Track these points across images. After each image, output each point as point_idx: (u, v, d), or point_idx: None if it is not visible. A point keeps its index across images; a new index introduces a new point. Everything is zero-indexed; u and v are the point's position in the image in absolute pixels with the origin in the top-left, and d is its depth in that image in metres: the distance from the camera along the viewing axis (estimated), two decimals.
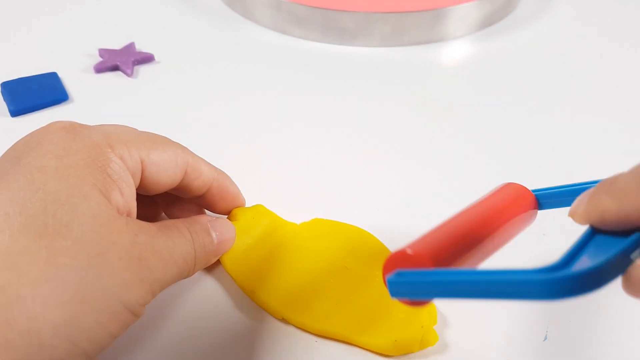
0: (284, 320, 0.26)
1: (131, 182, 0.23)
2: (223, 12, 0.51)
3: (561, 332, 0.26)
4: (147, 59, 0.44)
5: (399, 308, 0.26)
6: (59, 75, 0.42)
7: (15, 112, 0.39)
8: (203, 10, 0.51)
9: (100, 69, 0.43)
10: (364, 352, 0.25)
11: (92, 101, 0.40)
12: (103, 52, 0.44)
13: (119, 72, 0.43)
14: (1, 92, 0.40)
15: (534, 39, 0.48)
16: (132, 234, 0.22)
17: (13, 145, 0.24)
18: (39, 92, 0.40)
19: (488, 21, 0.49)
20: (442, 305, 0.27)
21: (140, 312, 0.22)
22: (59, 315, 0.19)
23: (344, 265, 0.28)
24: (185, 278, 0.24)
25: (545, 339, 0.26)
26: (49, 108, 0.39)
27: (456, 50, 0.47)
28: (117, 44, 0.45)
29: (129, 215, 0.23)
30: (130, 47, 0.45)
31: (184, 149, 0.26)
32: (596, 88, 0.43)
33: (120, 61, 0.43)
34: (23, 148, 0.23)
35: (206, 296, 0.27)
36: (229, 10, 0.51)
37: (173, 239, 0.23)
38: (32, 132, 0.24)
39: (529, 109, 0.40)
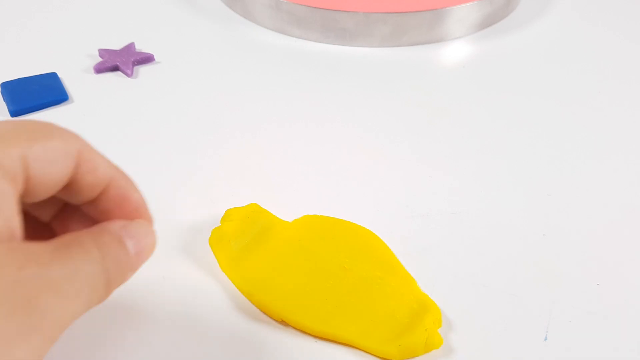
0: (284, 322, 0.26)
1: (9, 192, 0.18)
2: (223, 12, 0.51)
3: (561, 332, 0.26)
4: (147, 59, 0.44)
5: (402, 311, 0.25)
6: (59, 75, 0.42)
7: (15, 113, 0.38)
8: (203, 11, 0.51)
9: (100, 69, 0.43)
10: (365, 353, 0.25)
11: (92, 101, 0.40)
12: (103, 52, 0.44)
13: (118, 73, 0.43)
14: (1, 92, 0.40)
15: (534, 39, 0.48)
16: (14, 268, 0.17)
17: None
18: (39, 93, 0.40)
19: (488, 22, 0.49)
20: (447, 308, 0.27)
21: None
22: None
23: (344, 266, 0.27)
24: (95, 306, 0.19)
25: (546, 339, 0.26)
26: (49, 108, 0.39)
27: (456, 51, 0.47)
28: (117, 44, 0.45)
29: (11, 238, 0.18)
30: (130, 48, 0.45)
31: (75, 136, 0.20)
32: (597, 87, 0.43)
33: (120, 61, 0.43)
34: None
35: (204, 298, 0.27)
36: (228, 10, 0.51)
37: (74, 261, 0.18)
38: None
39: (528, 109, 0.40)
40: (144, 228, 0.22)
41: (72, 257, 0.18)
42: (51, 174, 0.19)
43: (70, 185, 0.20)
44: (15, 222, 0.18)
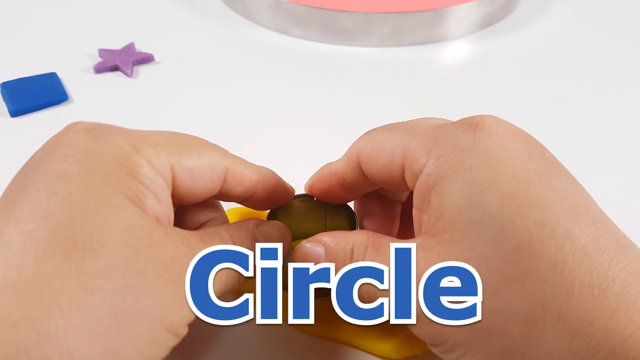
0: (285, 322, 0.26)
1: (165, 186, 0.21)
2: (223, 12, 0.51)
3: None
4: (146, 59, 0.44)
5: None
6: (59, 75, 0.42)
7: (15, 113, 0.38)
8: (203, 10, 0.51)
9: (100, 69, 0.43)
10: (365, 353, 0.25)
11: (92, 101, 0.40)
12: (103, 52, 0.44)
13: (118, 73, 0.43)
14: (1, 92, 0.40)
15: (534, 39, 0.48)
16: (171, 247, 0.19)
17: (34, 154, 0.21)
18: (38, 93, 0.40)
19: (488, 21, 0.49)
20: None
21: (183, 332, 0.20)
22: (95, 348, 0.17)
23: None
24: (230, 291, 0.22)
25: None
26: (49, 108, 0.39)
27: (456, 51, 0.47)
28: (116, 44, 0.45)
29: (169, 223, 0.21)
30: (130, 48, 0.45)
31: (223, 152, 0.24)
32: (596, 88, 0.42)
33: (120, 61, 0.43)
34: (41, 153, 0.20)
35: None
36: (228, 10, 0.51)
37: (214, 248, 0.21)
38: (50, 138, 0.21)
39: (528, 109, 0.40)
40: (276, 228, 0.24)
41: (213, 244, 0.21)
42: (198, 185, 0.22)
43: (221, 195, 0.24)
44: (171, 210, 0.21)
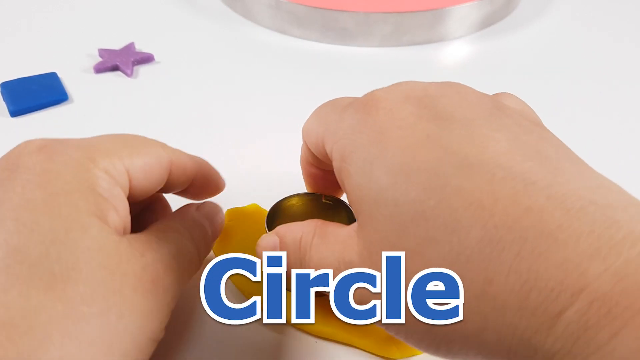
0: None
1: (122, 196, 0.21)
2: (223, 12, 0.51)
3: None
4: (146, 59, 0.44)
5: None
6: (59, 75, 0.42)
7: (15, 113, 0.38)
8: (203, 10, 0.51)
9: (100, 69, 0.43)
10: (365, 353, 0.25)
11: (92, 101, 0.40)
12: (103, 52, 0.44)
13: (118, 72, 0.43)
14: (1, 92, 0.40)
15: (534, 39, 0.48)
16: (139, 256, 0.20)
17: None
18: (38, 93, 0.40)
19: (488, 21, 0.49)
20: None
21: (161, 335, 0.21)
22: None
23: None
24: (193, 276, 0.23)
25: None
26: (49, 108, 0.39)
27: (456, 51, 0.47)
28: (116, 44, 0.45)
29: (126, 232, 0.21)
30: (130, 47, 0.45)
31: (164, 146, 0.24)
32: (596, 88, 0.42)
33: (120, 61, 0.43)
34: None
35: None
36: (228, 10, 0.51)
37: (176, 242, 0.22)
38: (2, 157, 0.21)
39: None
40: (211, 206, 0.26)
41: (173, 240, 0.22)
42: (150, 182, 0.23)
43: (165, 187, 0.24)
44: (128, 219, 0.21)
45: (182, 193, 0.26)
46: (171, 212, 0.27)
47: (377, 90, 0.21)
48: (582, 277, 0.15)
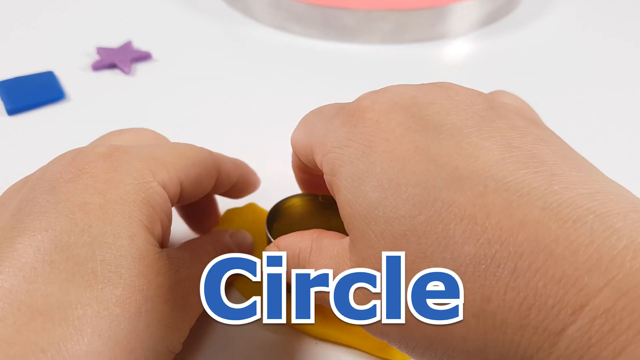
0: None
1: (170, 210, 0.23)
2: (222, 9, 0.50)
3: None
4: (144, 57, 0.43)
5: None
6: (57, 73, 0.41)
7: (12, 111, 0.38)
8: (201, 8, 0.50)
9: (98, 67, 0.42)
10: (366, 354, 0.25)
11: (90, 99, 0.40)
12: (101, 50, 0.44)
13: (116, 71, 0.43)
14: None
15: (536, 36, 0.48)
16: (174, 271, 0.21)
17: (44, 172, 0.22)
18: (35, 91, 0.39)
19: (490, 19, 0.49)
20: None
21: (179, 349, 0.22)
22: None
23: None
24: None
25: None
26: (46, 106, 0.39)
27: (458, 48, 0.47)
28: (114, 42, 0.45)
29: (164, 244, 0.23)
30: (128, 46, 0.44)
31: (211, 153, 0.25)
32: (598, 86, 0.42)
33: (118, 59, 0.43)
34: (58, 179, 0.21)
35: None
36: (227, 7, 0.50)
37: (204, 263, 0.22)
38: (65, 156, 0.22)
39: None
40: (245, 238, 0.27)
41: (204, 260, 0.22)
42: (198, 190, 0.24)
43: (210, 191, 0.26)
44: (169, 232, 0.23)
45: (224, 194, 0.28)
46: (216, 208, 0.29)
47: (363, 97, 0.21)
48: (583, 292, 0.14)
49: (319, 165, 0.21)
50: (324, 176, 0.21)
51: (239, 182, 0.27)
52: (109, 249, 0.20)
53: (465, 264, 0.16)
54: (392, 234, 0.18)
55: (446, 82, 0.22)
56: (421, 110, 0.19)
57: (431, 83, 0.22)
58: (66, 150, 0.25)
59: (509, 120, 0.19)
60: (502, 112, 0.19)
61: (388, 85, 0.22)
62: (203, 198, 0.27)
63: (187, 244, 0.24)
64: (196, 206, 0.28)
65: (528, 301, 0.15)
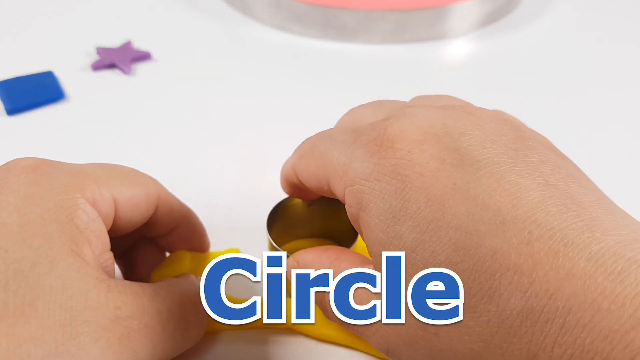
0: (285, 324, 0.26)
1: (102, 229, 0.20)
2: (221, 9, 0.50)
3: None
4: (144, 57, 0.43)
5: None
6: (57, 73, 0.41)
7: (11, 111, 0.38)
8: (201, 8, 0.50)
9: (97, 67, 0.42)
10: (366, 355, 0.25)
11: (89, 99, 0.40)
12: (100, 50, 0.44)
13: (116, 70, 0.43)
14: None
15: (536, 36, 0.48)
16: (112, 307, 0.18)
17: None
18: (35, 91, 0.39)
19: (490, 19, 0.49)
20: None
21: None
22: None
23: None
24: (181, 352, 0.22)
25: None
26: (46, 106, 0.39)
27: (458, 48, 0.47)
28: (114, 42, 0.45)
29: (108, 273, 0.20)
30: (127, 45, 0.44)
31: (154, 181, 0.24)
32: (597, 86, 0.42)
33: (118, 59, 0.43)
34: None
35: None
36: (227, 7, 0.50)
37: (167, 304, 0.20)
38: None
39: (530, 107, 0.40)
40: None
41: (164, 300, 0.20)
42: (135, 214, 0.22)
43: (148, 223, 0.23)
44: (105, 256, 0.20)
45: (164, 239, 0.25)
46: (206, 241, 0.27)
47: (390, 125, 0.19)
48: (629, 349, 0.14)
49: (339, 196, 0.21)
50: (347, 208, 0.20)
51: (182, 226, 0.25)
52: (24, 279, 0.17)
53: (512, 318, 0.15)
54: None
55: (467, 104, 0.21)
56: (455, 142, 0.18)
57: (453, 106, 0.21)
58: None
59: (538, 153, 0.18)
60: (529, 143, 0.19)
61: (410, 108, 0.21)
62: (143, 241, 0.25)
63: (159, 280, 0.22)
64: (136, 248, 0.26)
65: (575, 358, 0.14)
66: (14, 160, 0.21)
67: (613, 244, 0.15)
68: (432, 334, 0.17)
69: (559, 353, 0.15)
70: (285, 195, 0.27)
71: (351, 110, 0.25)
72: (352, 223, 0.21)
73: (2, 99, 0.39)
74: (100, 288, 0.19)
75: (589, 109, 0.40)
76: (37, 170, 0.20)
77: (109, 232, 0.21)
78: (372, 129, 0.20)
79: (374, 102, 0.24)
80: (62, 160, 0.22)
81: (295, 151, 0.24)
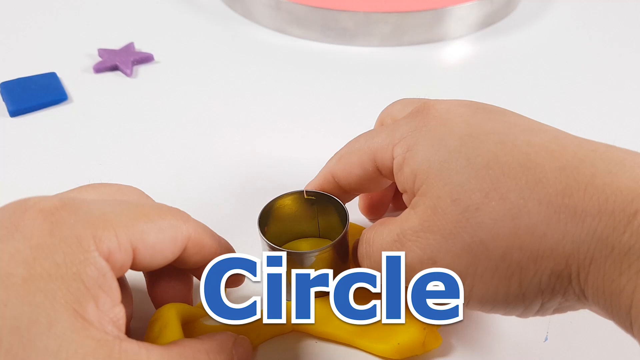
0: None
1: (113, 285, 0.19)
2: (222, 11, 0.50)
3: (561, 332, 0.26)
4: (146, 58, 0.44)
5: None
6: (59, 75, 0.42)
7: (14, 112, 0.38)
8: (202, 10, 0.51)
9: (99, 69, 0.43)
10: (365, 354, 0.25)
11: (91, 101, 0.40)
12: (102, 52, 0.44)
13: (118, 72, 0.43)
14: (0, 92, 0.40)
15: (534, 39, 0.48)
16: None
17: None
18: (38, 92, 0.40)
19: (488, 21, 0.49)
20: None
21: None
22: None
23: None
24: None
25: (546, 339, 0.26)
26: (48, 108, 0.39)
27: (456, 50, 0.47)
28: (116, 44, 0.45)
29: (114, 325, 0.19)
30: (129, 47, 0.45)
31: (186, 219, 0.22)
32: (596, 88, 0.42)
33: (120, 61, 0.43)
34: None
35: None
36: (228, 10, 0.51)
37: None
38: (11, 206, 0.19)
39: (528, 109, 0.40)
40: (247, 343, 0.23)
41: None
42: (157, 259, 0.21)
43: (177, 261, 0.22)
44: (116, 312, 0.19)
45: (193, 271, 0.24)
46: (188, 283, 0.25)
47: (427, 101, 0.24)
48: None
49: (387, 160, 0.23)
50: (395, 160, 0.23)
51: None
52: (19, 337, 0.16)
53: (547, 175, 0.19)
54: (475, 167, 0.20)
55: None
56: (484, 107, 0.23)
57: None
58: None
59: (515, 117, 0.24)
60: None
61: (435, 99, 0.25)
62: (174, 270, 0.24)
63: (179, 344, 0.20)
64: (164, 274, 0.24)
65: (605, 193, 0.18)
66: (34, 198, 0.20)
67: (608, 147, 0.21)
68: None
69: (592, 191, 0.19)
70: (274, 196, 0.27)
71: (380, 114, 0.29)
72: (395, 178, 0.23)
73: (5, 100, 0.39)
74: (99, 354, 0.17)
75: (586, 111, 0.40)
76: (55, 215, 0.19)
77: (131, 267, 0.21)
78: (410, 112, 0.24)
79: (397, 100, 0.28)
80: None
81: (329, 161, 0.27)
